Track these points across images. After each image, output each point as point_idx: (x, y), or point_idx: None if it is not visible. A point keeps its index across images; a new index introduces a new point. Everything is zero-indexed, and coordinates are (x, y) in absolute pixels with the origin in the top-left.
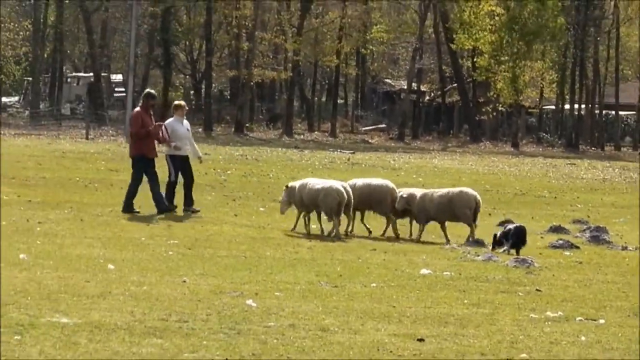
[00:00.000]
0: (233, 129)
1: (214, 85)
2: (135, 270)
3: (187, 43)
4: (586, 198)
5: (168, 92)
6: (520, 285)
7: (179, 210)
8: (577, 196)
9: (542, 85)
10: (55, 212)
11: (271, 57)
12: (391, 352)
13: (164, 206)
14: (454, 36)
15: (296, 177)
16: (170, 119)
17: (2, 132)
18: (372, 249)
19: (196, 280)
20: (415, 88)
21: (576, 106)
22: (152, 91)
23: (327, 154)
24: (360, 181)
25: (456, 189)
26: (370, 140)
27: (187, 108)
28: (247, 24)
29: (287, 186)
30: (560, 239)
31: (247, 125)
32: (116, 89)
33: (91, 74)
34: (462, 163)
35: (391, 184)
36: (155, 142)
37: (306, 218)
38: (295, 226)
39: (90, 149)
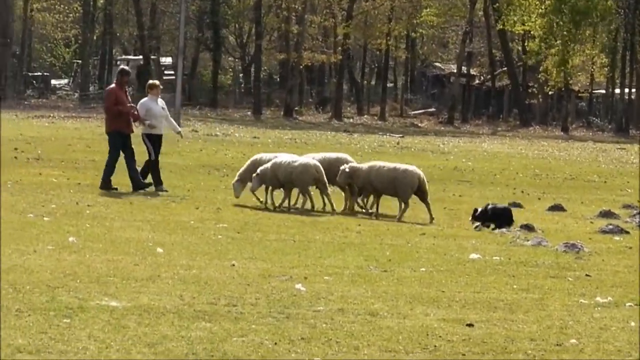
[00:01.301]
0: (282, 113)
1: (263, 68)
2: (184, 253)
3: (237, 26)
4: (636, 183)
5: (217, 74)
6: (569, 270)
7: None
8: (627, 181)
9: (592, 70)
10: (104, 195)
11: (321, 40)
12: (440, 337)
13: (140, 183)
14: (503, 17)
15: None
16: (145, 99)
17: (51, 115)
18: (422, 233)
19: (245, 264)
20: (465, 72)
21: (627, 90)
22: (127, 67)
23: (377, 138)
24: (318, 156)
25: (402, 167)
26: (419, 124)
27: (161, 87)
28: (296, 6)
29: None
30: (610, 224)
31: (296, 108)
32: (165, 72)
33: (140, 56)
34: (512, 147)
35: (349, 158)
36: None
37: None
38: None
39: (139, 132)
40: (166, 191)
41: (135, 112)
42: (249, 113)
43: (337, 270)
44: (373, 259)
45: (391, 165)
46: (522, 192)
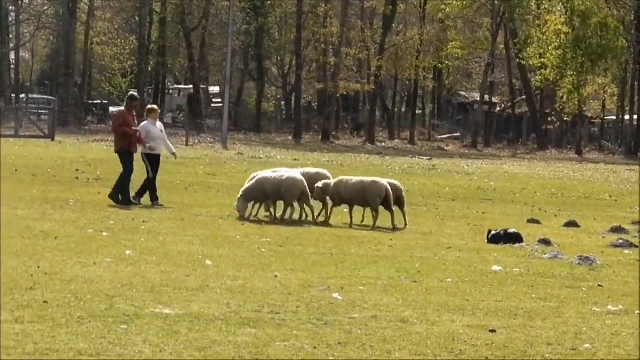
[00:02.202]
0: (320, 137)
1: (303, 96)
2: (231, 265)
3: (279, 58)
4: None
5: (261, 102)
6: (583, 281)
7: (145, 201)
8: (636, 199)
9: (604, 98)
10: (158, 212)
11: (355, 71)
12: (465, 342)
13: (115, 197)
14: (523, 52)
15: None
16: (145, 122)
17: (109, 139)
18: (448, 247)
19: (287, 275)
20: (488, 100)
21: (635, 117)
22: (135, 93)
23: (407, 160)
24: (300, 170)
25: (369, 179)
26: (445, 148)
27: (159, 111)
28: (333, 40)
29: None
30: (621, 239)
31: (333, 133)
32: (214, 100)
33: (191, 86)
34: (530, 169)
35: (328, 173)
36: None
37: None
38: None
39: (190, 155)
40: (162, 206)
41: (141, 136)
42: (290, 137)
43: (371, 281)
44: (404, 270)
45: (357, 178)
46: (540, 209)
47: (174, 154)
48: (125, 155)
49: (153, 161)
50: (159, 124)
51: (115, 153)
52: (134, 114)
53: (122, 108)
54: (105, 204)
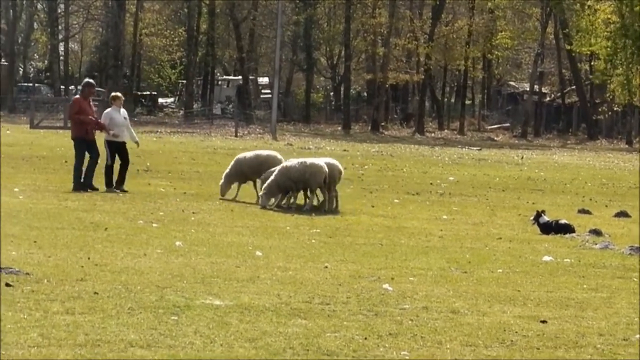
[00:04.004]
0: (369, 128)
1: (352, 87)
2: (281, 256)
3: (328, 48)
4: None
5: (310, 93)
6: (635, 271)
7: (101, 188)
8: None
9: None
10: (207, 203)
11: (404, 61)
12: (516, 332)
13: (78, 185)
14: (572, 41)
15: (428, 172)
16: (109, 109)
17: (158, 130)
18: (498, 237)
19: (337, 266)
20: (537, 90)
21: None
22: (91, 80)
23: (456, 150)
24: (250, 153)
25: (309, 161)
26: (495, 138)
27: (123, 98)
28: (382, 31)
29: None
30: None
31: (382, 124)
32: (262, 91)
33: (240, 77)
34: (580, 159)
35: (279, 156)
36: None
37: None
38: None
39: (239, 146)
40: (116, 192)
41: (102, 124)
42: (339, 128)
43: (421, 272)
44: (454, 261)
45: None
46: (591, 199)
47: (136, 142)
48: (81, 145)
49: (118, 148)
50: (123, 111)
51: (71, 140)
52: (90, 100)
53: (77, 96)
54: (156, 195)
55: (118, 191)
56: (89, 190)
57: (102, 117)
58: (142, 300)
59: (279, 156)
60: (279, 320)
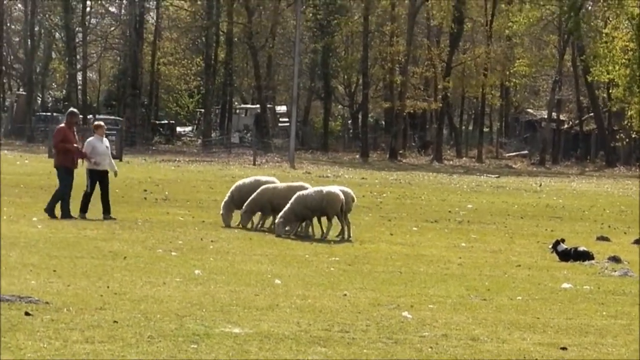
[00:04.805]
0: (387, 155)
1: (370, 115)
2: (300, 284)
3: (345, 77)
4: None
5: (328, 121)
6: None
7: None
8: None
9: None
10: (226, 231)
11: (422, 89)
12: (536, 359)
13: (51, 212)
14: (590, 69)
15: (446, 200)
16: (91, 138)
17: (177, 159)
18: (517, 265)
19: (356, 294)
20: (555, 117)
21: None
22: (75, 110)
23: (474, 178)
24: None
25: (325, 189)
26: (513, 165)
27: (105, 127)
28: (400, 59)
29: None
30: None
31: (400, 151)
32: (280, 119)
33: (258, 105)
34: (599, 186)
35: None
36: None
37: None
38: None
39: (257, 174)
40: (113, 218)
41: (84, 152)
42: (357, 156)
43: (440, 299)
44: (473, 288)
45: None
46: (609, 226)
47: (115, 172)
48: (64, 172)
49: (97, 176)
50: (105, 140)
51: (54, 167)
52: (75, 130)
53: (62, 125)
54: (174, 224)
55: (108, 218)
56: (48, 214)
57: (84, 145)
58: (161, 329)
59: (263, 179)
60: (299, 348)
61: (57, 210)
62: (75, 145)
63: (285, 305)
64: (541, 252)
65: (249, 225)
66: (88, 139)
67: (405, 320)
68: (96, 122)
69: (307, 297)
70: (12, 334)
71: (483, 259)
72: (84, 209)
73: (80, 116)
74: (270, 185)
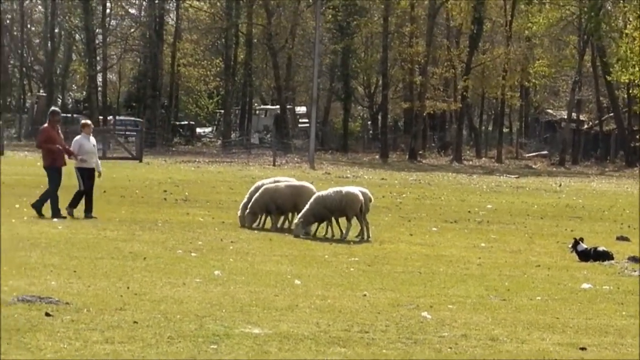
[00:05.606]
0: (407, 156)
1: (389, 116)
2: (320, 285)
3: (365, 77)
4: None
5: (348, 122)
6: None
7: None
8: None
9: None
10: (246, 232)
11: (442, 89)
12: (556, 359)
13: (38, 209)
14: (611, 70)
15: (466, 200)
16: (79, 136)
17: (196, 160)
18: (537, 265)
19: (375, 294)
20: (575, 117)
21: None
22: (57, 109)
23: (494, 178)
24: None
25: (344, 189)
26: (533, 166)
27: (92, 126)
28: (419, 59)
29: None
30: None
31: (420, 152)
32: (300, 120)
33: (277, 106)
34: (619, 186)
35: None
36: (66, 156)
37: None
38: None
39: (277, 175)
40: (94, 217)
41: (72, 150)
42: (376, 157)
43: (460, 299)
44: (493, 288)
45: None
46: (629, 226)
47: (99, 172)
48: (53, 172)
49: (86, 174)
50: (92, 138)
51: (43, 168)
52: (58, 128)
53: (45, 125)
54: (194, 224)
55: (90, 217)
56: (37, 213)
57: (72, 144)
58: (181, 329)
59: (282, 180)
60: (318, 349)
61: (46, 211)
62: (57, 146)
63: (304, 306)
64: (561, 252)
65: (254, 225)
66: (75, 138)
67: (424, 321)
68: (83, 121)
69: (327, 297)
70: (33, 334)
71: (502, 259)
72: (73, 204)
73: (100, 117)
74: (272, 185)
